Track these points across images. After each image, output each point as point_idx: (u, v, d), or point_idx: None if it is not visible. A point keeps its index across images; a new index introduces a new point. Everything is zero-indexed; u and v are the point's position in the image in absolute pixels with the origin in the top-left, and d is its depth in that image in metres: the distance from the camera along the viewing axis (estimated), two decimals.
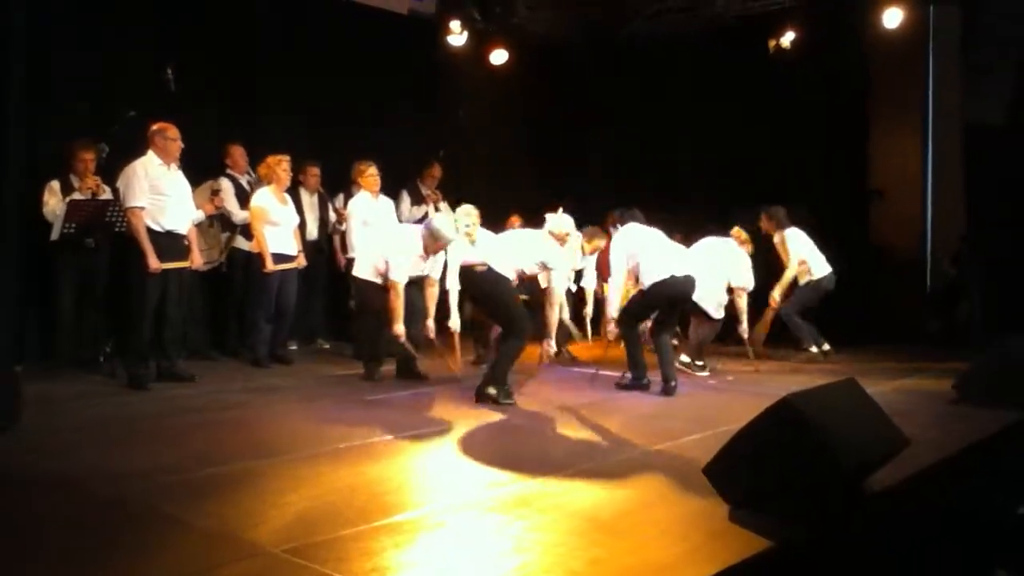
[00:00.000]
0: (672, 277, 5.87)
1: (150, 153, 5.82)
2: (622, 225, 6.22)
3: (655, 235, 6.13)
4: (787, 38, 8.77)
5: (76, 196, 6.19)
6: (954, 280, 8.89)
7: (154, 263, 5.69)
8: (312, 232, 7.61)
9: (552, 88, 9.54)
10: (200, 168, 6.83)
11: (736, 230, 7.18)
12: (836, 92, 8.95)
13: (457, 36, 8.84)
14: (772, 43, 8.83)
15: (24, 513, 3.25)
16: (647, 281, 5.92)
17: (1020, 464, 4.33)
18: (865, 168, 9.19)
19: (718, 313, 6.86)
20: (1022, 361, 5.47)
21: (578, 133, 10.12)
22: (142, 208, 5.71)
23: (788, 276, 7.49)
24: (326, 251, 7.84)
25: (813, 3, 8.70)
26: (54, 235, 6.18)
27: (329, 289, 8.04)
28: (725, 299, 6.93)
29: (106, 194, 6.19)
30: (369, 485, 3.61)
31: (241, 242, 7.11)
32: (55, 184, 6.31)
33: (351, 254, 7.25)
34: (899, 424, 3.74)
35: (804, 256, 7.51)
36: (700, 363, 6.94)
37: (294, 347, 7.56)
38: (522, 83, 9.52)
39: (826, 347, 7.50)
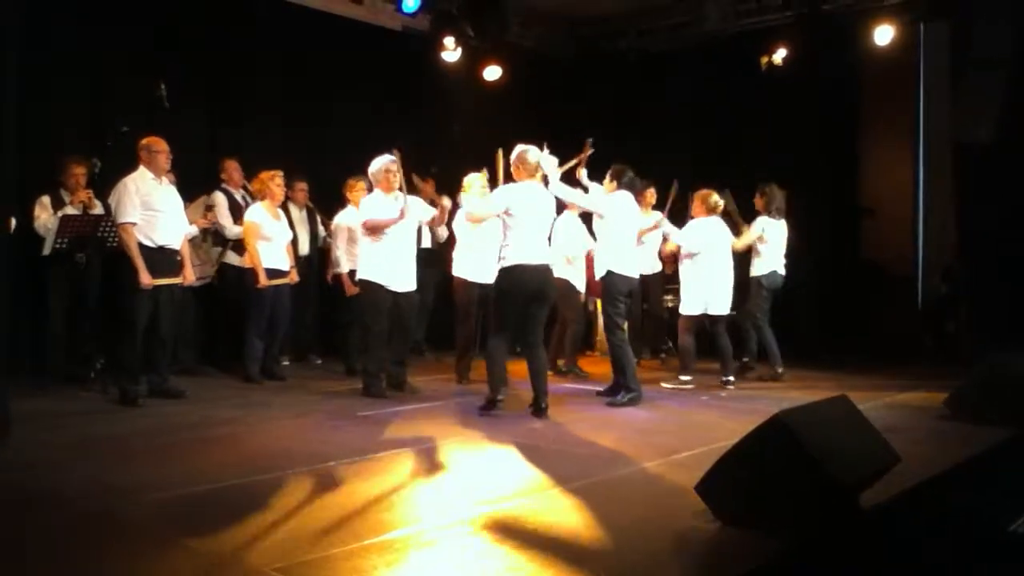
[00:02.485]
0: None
1: (141, 168, 5.83)
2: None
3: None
4: (779, 55, 8.81)
5: (68, 210, 6.18)
6: (946, 296, 8.92)
7: (146, 279, 5.68)
8: (303, 247, 7.61)
9: (545, 104, 9.57)
10: (193, 183, 6.83)
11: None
12: (827, 108, 9.00)
13: (451, 52, 8.88)
14: (764, 59, 8.86)
15: (12, 530, 3.23)
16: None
17: (1012, 481, 4.33)
18: (857, 184, 9.24)
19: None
20: (1013, 377, 5.49)
21: (571, 149, 10.15)
22: (133, 224, 5.70)
23: (738, 243, 7.27)
24: (316, 266, 7.84)
25: (805, 20, 8.75)
26: (46, 250, 6.17)
27: (321, 305, 8.03)
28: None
29: (98, 208, 6.19)
30: (360, 503, 3.60)
31: (232, 257, 7.10)
32: (45, 199, 6.30)
33: (337, 269, 7.26)
34: (890, 440, 3.75)
35: (760, 246, 7.30)
36: (686, 377, 6.87)
37: (286, 363, 7.54)
38: (515, 99, 9.55)
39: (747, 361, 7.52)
